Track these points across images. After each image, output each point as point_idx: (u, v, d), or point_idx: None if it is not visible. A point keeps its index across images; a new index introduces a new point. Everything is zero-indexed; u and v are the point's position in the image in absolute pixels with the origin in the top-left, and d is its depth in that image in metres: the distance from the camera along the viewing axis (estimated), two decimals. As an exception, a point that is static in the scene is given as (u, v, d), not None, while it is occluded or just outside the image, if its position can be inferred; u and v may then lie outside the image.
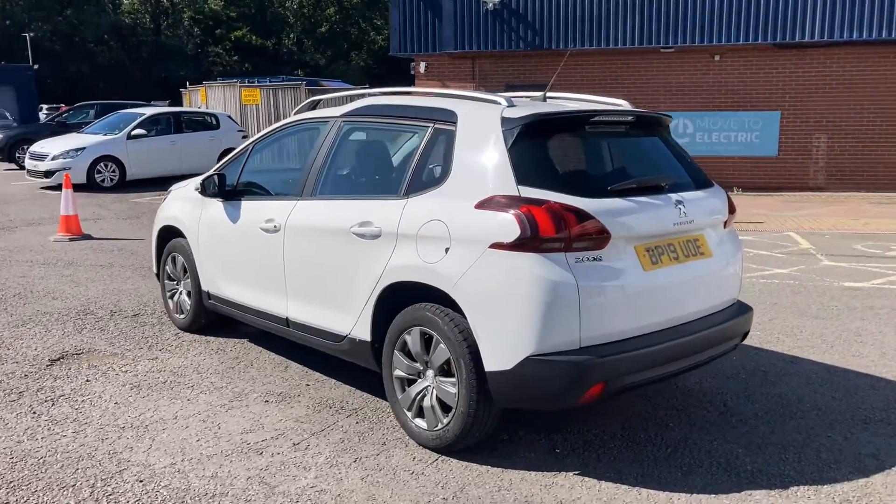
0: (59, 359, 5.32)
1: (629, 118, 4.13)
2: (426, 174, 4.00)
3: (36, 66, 51.13)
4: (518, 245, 3.45)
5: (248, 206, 5.09)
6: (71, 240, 10.05)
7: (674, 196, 3.87)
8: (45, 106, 45.31)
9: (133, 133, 15.83)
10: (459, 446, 3.79)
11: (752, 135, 15.73)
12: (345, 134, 4.62)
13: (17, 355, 5.39)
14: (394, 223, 3.96)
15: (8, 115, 38.81)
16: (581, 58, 16.15)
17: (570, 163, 3.94)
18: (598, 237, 3.52)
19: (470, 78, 16.70)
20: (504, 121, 3.75)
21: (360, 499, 3.43)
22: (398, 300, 4.00)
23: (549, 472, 3.69)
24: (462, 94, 4.26)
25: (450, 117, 3.99)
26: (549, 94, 4.58)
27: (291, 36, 61.89)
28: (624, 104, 4.52)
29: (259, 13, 61.73)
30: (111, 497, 3.43)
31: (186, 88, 24.18)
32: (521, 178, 3.59)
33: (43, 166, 15.08)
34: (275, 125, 5.28)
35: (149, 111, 17.00)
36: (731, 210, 4.37)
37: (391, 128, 4.47)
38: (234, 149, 6.56)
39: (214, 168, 5.54)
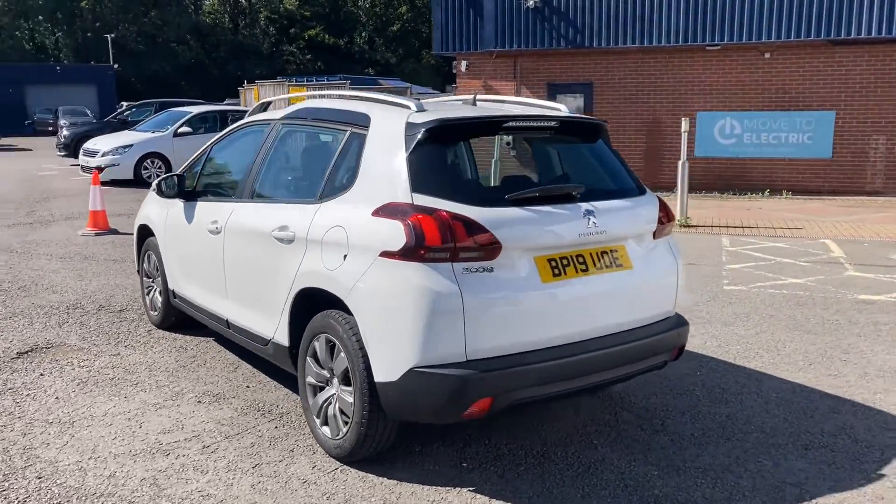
0: (27, 352, 5.50)
1: (552, 123, 3.96)
2: (338, 179, 3.95)
3: (116, 66, 53.51)
4: (404, 254, 3.36)
5: (201, 208, 5.14)
6: (97, 234, 10.40)
7: (584, 205, 3.69)
8: (125, 103, 47.31)
9: (179, 130, 16.32)
10: (358, 457, 3.73)
11: (805, 136, 15.01)
12: (281, 137, 4.61)
13: (-11, 347, 5.60)
14: (305, 228, 3.93)
15: (88, 111, 40.77)
16: (623, 56, 15.76)
17: (475, 169, 3.81)
18: (488, 247, 3.39)
19: (511, 77, 16.53)
20: (408, 126, 3.66)
21: (240, 506, 3.42)
22: (311, 306, 3.96)
23: (444, 488, 3.59)
24: (382, 98, 4.19)
25: (364, 121, 3.92)
26: (481, 97, 4.45)
27: (363, 35, 62.71)
28: (562, 109, 4.33)
29: (332, 12, 62.78)
30: (3, 493, 3.51)
31: (243, 87, 24.79)
32: (417, 186, 3.50)
33: (94, 162, 15.69)
34: (230, 126, 5.32)
35: (196, 109, 17.47)
36: (667, 219, 4.15)
37: (319, 131, 4.44)
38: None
39: (182, 168, 5.63)
